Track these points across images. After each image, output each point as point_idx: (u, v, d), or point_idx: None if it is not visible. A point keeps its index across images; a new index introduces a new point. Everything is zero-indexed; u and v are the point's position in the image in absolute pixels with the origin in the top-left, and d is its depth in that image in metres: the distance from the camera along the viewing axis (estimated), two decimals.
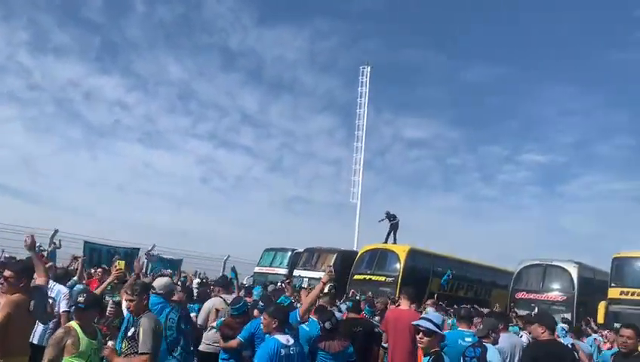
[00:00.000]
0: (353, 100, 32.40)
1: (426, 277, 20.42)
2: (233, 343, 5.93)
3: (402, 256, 19.65)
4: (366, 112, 31.62)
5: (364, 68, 32.40)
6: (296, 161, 64.34)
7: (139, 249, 18.80)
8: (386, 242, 21.53)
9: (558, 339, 6.02)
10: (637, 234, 47.87)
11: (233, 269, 9.82)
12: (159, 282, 5.74)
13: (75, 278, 6.75)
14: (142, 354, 4.16)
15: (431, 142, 64.48)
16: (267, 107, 65.71)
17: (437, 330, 4.12)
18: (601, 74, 60.39)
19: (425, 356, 4.08)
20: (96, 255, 16.74)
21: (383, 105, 75.40)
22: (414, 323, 4.23)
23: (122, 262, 5.92)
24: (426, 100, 65.62)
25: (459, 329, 6.53)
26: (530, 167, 61.06)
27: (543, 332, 5.01)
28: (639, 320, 13.34)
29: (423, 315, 4.38)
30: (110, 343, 4.47)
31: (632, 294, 15.47)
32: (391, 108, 71.41)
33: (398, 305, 7.38)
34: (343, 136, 57.26)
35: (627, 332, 5.19)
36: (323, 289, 6.21)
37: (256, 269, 24.14)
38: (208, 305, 7.25)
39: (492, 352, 4.96)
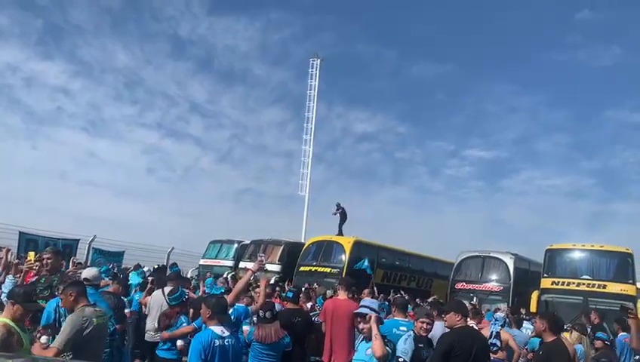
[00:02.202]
0: (305, 93, 32.40)
1: (370, 268, 20.74)
2: (186, 329, 5.93)
3: (347, 248, 19.94)
4: (315, 105, 31.82)
5: (313, 60, 32.51)
6: (246, 152, 63.86)
7: (78, 240, 18.25)
8: (339, 231, 21.80)
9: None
10: (571, 226, 50.39)
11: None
12: (91, 273, 5.60)
13: None
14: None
15: (380, 136, 65.45)
16: (217, 97, 64.93)
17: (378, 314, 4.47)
18: (542, 74, 62.94)
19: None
20: (33, 246, 16.10)
21: (334, 99, 75.90)
22: (358, 311, 4.50)
23: (32, 254, 5.80)
24: (376, 95, 66.65)
25: (395, 318, 6.73)
26: (474, 162, 63.03)
27: (458, 320, 5.20)
28: (568, 308, 14.22)
29: (361, 303, 4.63)
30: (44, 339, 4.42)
31: (563, 284, 16.16)
32: (342, 102, 72.05)
33: (337, 295, 7.53)
34: (294, 129, 57.39)
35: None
36: (251, 277, 6.34)
37: (202, 261, 23.89)
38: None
39: (402, 338, 5.23)
